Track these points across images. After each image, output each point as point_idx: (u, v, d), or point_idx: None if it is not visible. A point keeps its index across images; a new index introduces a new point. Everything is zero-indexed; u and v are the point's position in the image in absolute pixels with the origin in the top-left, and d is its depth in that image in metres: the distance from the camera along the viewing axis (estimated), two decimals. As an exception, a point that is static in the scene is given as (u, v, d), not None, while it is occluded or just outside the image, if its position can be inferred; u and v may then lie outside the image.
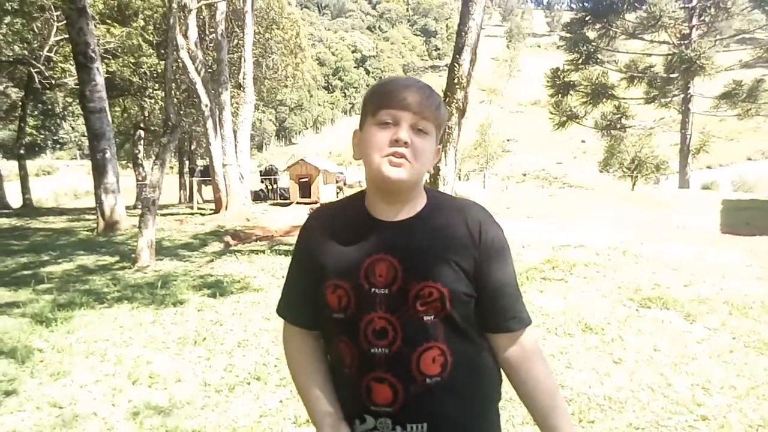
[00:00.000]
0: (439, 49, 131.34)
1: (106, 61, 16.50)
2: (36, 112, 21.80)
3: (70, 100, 21.61)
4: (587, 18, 23.58)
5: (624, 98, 23.71)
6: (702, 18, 22.50)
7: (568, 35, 24.15)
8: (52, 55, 16.95)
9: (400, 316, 1.16)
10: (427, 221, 1.22)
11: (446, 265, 1.17)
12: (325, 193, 18.13)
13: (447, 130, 7.60)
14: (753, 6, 21.73)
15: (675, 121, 24.41)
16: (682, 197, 14.81)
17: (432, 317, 1.15)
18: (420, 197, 1.25)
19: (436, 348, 1.16)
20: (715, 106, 23.13)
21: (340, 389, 1.25)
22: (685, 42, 21.94)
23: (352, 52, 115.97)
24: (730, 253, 8.21)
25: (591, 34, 23.72)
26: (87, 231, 11.83)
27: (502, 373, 1.29)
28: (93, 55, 11.35)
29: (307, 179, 18.12)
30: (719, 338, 4.52)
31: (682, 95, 23.01)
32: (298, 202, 17.51)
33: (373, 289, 1.17)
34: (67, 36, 13.35)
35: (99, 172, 11.56)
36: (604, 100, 23.35)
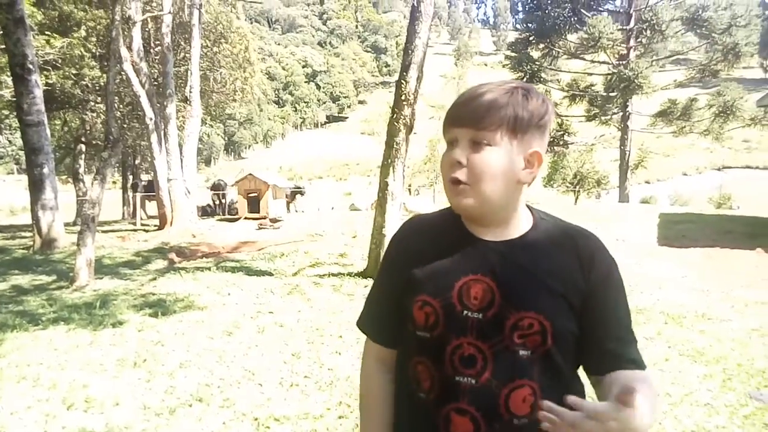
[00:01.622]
0: (389, 65, 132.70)
1: (45, 72, 15.90)
2: (-31, 125, 20.82)
3: (6, 112, 20.68)
4: (531, 38, 24.28)
5: (566, 116, 24.45)
6: (639, 39, 23.50)
7: (513, 54, 24.81)
8: (-14, 65, 16.23)
9: (492, 346, 1.04)
10: (532, 245, 1.09)
11: (551, 296, 1.05)
12: (275, 208, 17.92)
13: (395, 146, 7.67)
14: (686, 29, 22.86)
15: (615, 137, 25.31)
16: (622, 211, 15.35)
17: (528, 352, 1.03)
18: (523, 217, 1.12)
19: (528, 386, 1.03)
20: (652, 124, 24.12)
21: (410, 415, 1.13)
22: (624, 62, 22.85)
23: (303, 66, 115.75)
24: (667, 264, 8.57)
25: (535, 54, 24.42)
26: (23, 249, 11.32)
27: None
28: (31, 66, 10.95)
29: (256, 194, 17.87)
30: (655, 347, 4.69)
31: (621, 113, 23.90)
32: (246, 218, 17.23)
33: (465, 312, 1.05)
34: (3, 47, 12.84)
35: (36, 187, 11.11)
36: (548, 117, 24.00)
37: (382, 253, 6.58)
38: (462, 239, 1.12)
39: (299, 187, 23.16)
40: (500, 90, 1.05)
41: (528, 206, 1.15)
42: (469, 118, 1.03)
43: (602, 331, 1.07)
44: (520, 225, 1.11)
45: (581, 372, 1.14)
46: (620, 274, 1.11)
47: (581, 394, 1.13)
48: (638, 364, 1.08)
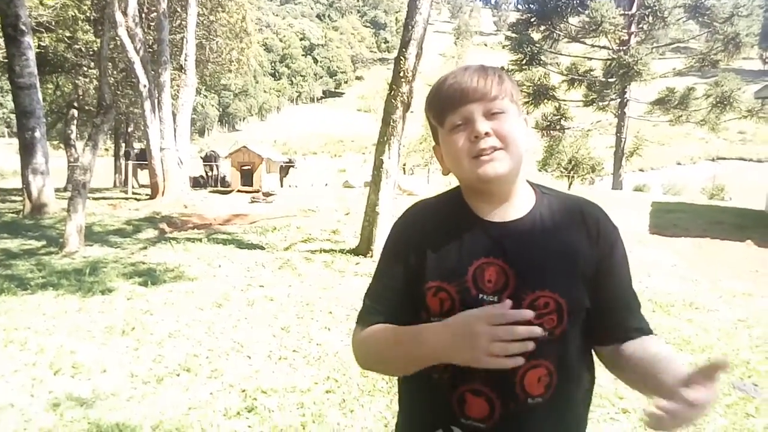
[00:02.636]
0: (388, 41, 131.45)
1: (38, 34, 15.64)
2: (-41, 86, 20.53)
3: (-2, 74, 20.43)
4: (532, 19, 24.08)
5: (564, 100, 24.39)
6: (640, 25, 23.39)
7: (513, 35, 24.62)
8: (-23, 25, 15.92)
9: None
10: (539, 221, 1.10)
11: (564, 271, 1.05)
12: (268, 182, 17.84)
13: (391, 123, 7.62)
14: (688, 17, 22.75)
15: (611, 124, 25.31)
16: (615, 198, 15.39)
17: (545, 332, 1.00)
18: (526, 194, 1.13)
19: (543, 366, 1.03)
20: (649, 112, 24.12)
21: (423, 397, 1.12)
22: (624, 48, 22.75)
23: (300, 39, 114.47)
24: (657, 252, 8.61)
25: (535, 36, 24.27)
26: (12, 213, 11.24)
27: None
28: (23, 27, 10.76)
29: (249, 167, 17.77)
30: (642, 334, 4.73)
31: (618, 99, 23.87)
32: (239, 191, 17.15)
33: (480, 295, 1.04)
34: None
35: (27, 151, 10.99)
36: (546, 101, 23.96)
37: (375, 231, 6.53)
38: (469, 222, 1.11)
39: (290, 161, 23.04)
40: (481, 68, 1.09)
41: (528, 182, 1.15)
42: (479, 92, 1.05)
43: (612, 301, 1.10)
44: (524, 202, 1.12)
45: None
46: (623, 241, 1.14)
47: (592, 373, 1.16)
48: (645, 331, 1.11)
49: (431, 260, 1.10)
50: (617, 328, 1.10)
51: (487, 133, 1.03)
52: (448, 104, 1.07)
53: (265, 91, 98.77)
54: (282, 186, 19.93)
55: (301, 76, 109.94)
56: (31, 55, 10.96)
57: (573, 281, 1.05)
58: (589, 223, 1.10)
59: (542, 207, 1.12)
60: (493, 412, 1.04)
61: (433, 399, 1.09)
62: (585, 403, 1.15)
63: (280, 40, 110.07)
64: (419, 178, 32.21)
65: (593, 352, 1.15)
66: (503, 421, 1.04)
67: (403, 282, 1.14)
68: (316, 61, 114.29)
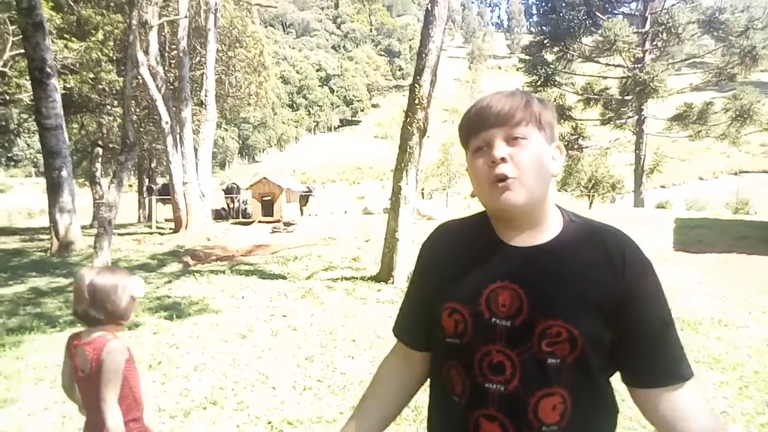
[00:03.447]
0: (402, 69, 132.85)
1: (63, 76, 16.12)
2: (-11, 128, 21.13)
3: (25, 116, 21.01)
4: (545, 41, 24.23)
5: (581, 119, 24.34)
6: (654, 42, 23.35)
7: (527, 58, 24.74)
8: (6, 70, 16.50)
9: (520, 353, 1.03)
10: (561, 249, 1.07)
11: (581, 302, 1.02)
12: (288, 212, 18.01)
13: (408, 150, 7.69)
14: (703, 32, 22.67)
15: (630, 141, 25.13)
16: (637, 215, 15.22)
17: (557, 360, 1.01)
18: (554, 219, 1.11)
19: (557, 395, 1.02)
20: (668, 128, 23.92)
21: (444, 417, 1.15)
22: (639, 65, 22.70)
23: (317, 70, 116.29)
24: (682, 270, 8.48)
25: (549, 57, 24.36)
26: (40, 252, 11.48)
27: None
28: (49, 70, 11.12)
29: (270, 197, 17.98)
30: (670, 354, 4.64)
31: (636, 117, 23.75)
32: (260, 221, 17.33)
33: (494, 319, 1.05)
34: (23, 51, 13.05)
35: (54, 190, 11.26)
36: (562, 121, 23.93)
37: (395, 258, 6.57)
38: (491, 245, 1.11)
39: (309, 189, 23.22)
40: (510, 93, 1.09)
41: (558, 206, 1.13)
42: (501, 117, 1.04)
43: (643, 337, 1.04)
44: (550, 228, 1.10)
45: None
46: (656, 275, 1.07)
47: (612, 400, 1.13)
48: (680, 377, 1.04)
49: (451, 281, 1.12)
50: (643, 371, 1.06)
51: (503, 159, 1.02)
52: (471, 127, 1.08)
53: (283, 122, 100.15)
54: (302, 215, 20.09)
55: (318, 106, 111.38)
56: (57, 96, 11.30)
57: (590, 313, 1.02)
58: (613, 254, 1.05)
59: (567, 234, 1.09)
60: None
61: (453, 422, 1.12)
62: (607, 429, 1.12)
63: (297, 72, 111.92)
64: (438, 203, 32.23)
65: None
66: None
67: (424, 301, 1.19)
68: (332, 90, 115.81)
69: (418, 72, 7.67)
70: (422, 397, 1.28)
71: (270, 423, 3.46)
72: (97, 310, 1.93)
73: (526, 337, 1.03)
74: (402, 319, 1.29)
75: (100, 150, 24.29)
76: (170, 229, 16.18)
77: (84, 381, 1.94)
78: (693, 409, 1.03)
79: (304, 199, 21.63)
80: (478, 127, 1.06)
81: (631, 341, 1.04)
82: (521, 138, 1.04)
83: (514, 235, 1.09)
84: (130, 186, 33.01)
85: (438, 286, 1.15)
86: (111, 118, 21.86)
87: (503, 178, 1.02)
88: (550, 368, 1.02)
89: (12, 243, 13.70)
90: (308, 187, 23.33)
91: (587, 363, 1.03)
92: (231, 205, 21.29)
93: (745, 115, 20.98)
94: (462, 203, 34.41)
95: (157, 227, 17.44)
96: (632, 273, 1.04)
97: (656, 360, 1.05)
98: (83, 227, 13.00)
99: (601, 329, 1.02)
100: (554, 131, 1.10)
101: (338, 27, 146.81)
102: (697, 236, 11.24)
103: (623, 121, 24.07)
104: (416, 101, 7.63)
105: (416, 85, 7.66)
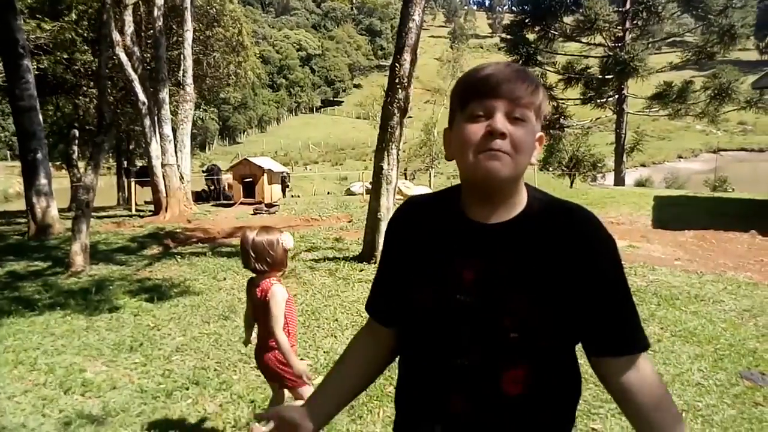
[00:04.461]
0: (384, 48, 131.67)
1: (37, 57, 15.76)
2: (-39, 111, 20.67)
3: (-2, 97, 20.57)
4: (527, 20, 24.18)
5: (562, 99, 24.42)
6: (635, 21, 23.42)
7: (508, 37, 24.69)
8: (-23, 50, 16.04)
9: (484, 328, 1.05)
10: (525, 225, 1.08)
11: (543, 276, 1.04)
12: (270, 193, 17.88)
13: (389, 130, 7.65)
14: (682, 10, 22.77)
15: (610, 120, 25.31)
16: (617, 193, 15.39)
17: (520, 334, 1.03)
18: (520, 197, 1.11)
19: (520, 367, 1.05)
20: (648, 107, 24.13)
21: (414, 392, 1.17)
22: (619, 45, 22.79)
23: (297, 50, 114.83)
24: (660, 246, 8.62)
25: (531, 36, 24.34)
26: (18, 235, 11.29)
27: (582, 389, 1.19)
28: (22, 51, 10.83)
29: (251, 179, 17.82)
30: (648, 328, 4.73)
31: (616, 96, 23.89)
32: (241, 203, 17.20)
33: (458, 296, 1.06)
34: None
35: (30, 173, 11.04)
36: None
37: (378, 238, 6.57)
38: (457, 222, 1.11)
39: (286, 174, 23.02)
40: (522, 71, 1.06)
41: (525, 184, 1.14)
42: (510, 92, 1.02)
43: (604, 308, 1.06)
44: (516, 205, 1.10)
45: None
46: (618, 250, 1.09)
47: (576, 373, 1.15)
48: (640, 346, 1.08)
49: (415, 260, 1.14)
50: (605, 342, 1.08)
51: (503, 134, 1.01)
52: (475, 91, 1.05)
53: (264, 103, 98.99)
54: (284, 196, 19.96)
55: (299, 86, 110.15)
56: (31, 77, 11.03)
57: (552, 287, 1.04)
58: (576, 231, 1.07)
59: (532, 210, 1.10)
60: (472, 410, 1.07)
61: (421, 395, 1.14)
62: (568, 403, 1.15)
63: (277, 52, 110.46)
64: (422, 182, 32.22)
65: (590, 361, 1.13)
66: (483, 420, 1.07)
67: (392, 278, 1.21)
68: (313, 71, 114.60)
69: (398, 51, 7.60)
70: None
71: (253, 402, 3.48)
72: (261, 263, 2.59)
73: (489, 312, 1.05)
74: (372, 296, 1.32)
75: (76, 132, 23.81)
76: (150, 211, 15.99)
77: (258, 313, 2.67)
78: (650, 378, 1.08)
79: (285, 181, 21.43)
80: (484, 93, 1.03)
81: (593, 314, 1.05)
82: (521, 119, 1.03)
83: (481, 211, 1.10)
84: (109, 168, 32.52)
85: (405, 264, 1.16)
86: (87, 99, 21.42)
87: (498, 151, 1.01)
88: (513, 342, 1.04)
89: (-12, 227, 13.47)
90: (285, 172, 23.13)
91: (550, 336, 1.05)
92: (212, 187, 21.09)
93: (723, 94, 21.23)
94: (445, 183, 34.50)
95: (137, 210, 17.24)
96: (592, 247, 1.06)
97: (617, 331, 1.07)
98: (61, 210, 12.79)
99: (563, 303, 1.04)
100: (540, 122, 1.10)
101: (318, 6, 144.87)
102: (675, 214, 11.41)
103: (604, 100, 24.22)
104: (396, 81, 7.58)
105: (396, 64, 7.59)
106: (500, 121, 1.01)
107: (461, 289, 1.07)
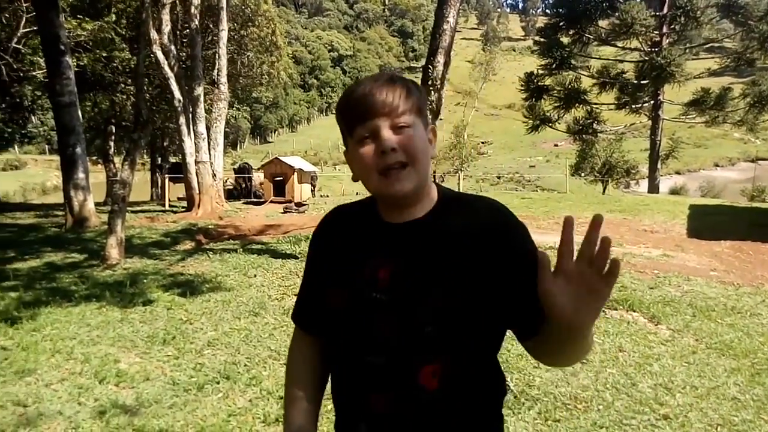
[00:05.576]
0: (415, 50, 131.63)
1: (77, 54, 16.16)
2: (3, 105, 21.22)
3: (39, 93, 21.10)
4: (561, 24, 23.87)
5: (596, 103, 24.05)
6: (672, 26, 22.96)
7: (542, 40, 24.44)
8: (20, 47, 16.54)
9: (399, 324, 1.07)
10: (436, 222, 1.11)
11: (454, 270, 1.06)
12: (300, 192, 18.04)
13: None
14: (721, 16, 22.26)
15: (645, 126, 24.85)
16: (651, 201, 15.10)
17: (436, 329, 1.05)
18: (429, 195, 1.15)
19: (437, 361, 1.06)
20: (684, 113, 23.61)
21: (341, 393, 1.20)
22: (656, 49, 22.36)
23: (329, 51, 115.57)
24: (696, 256, 8.42)
25: (565, 40, 24.04)
26: (55, 227, 11.60)
27: (506, 387, 1.20)
28: (63, 48, 11.15)
29: (281, 178, 17.99)
30: (682, 339, 4.64)
31: (652, 102, 23.45)
32: (272, 201, 17.38)
33: (374, 294, 1.09)
34: (36, 28, 13.08)
35: (68, 167, 11.35)
36: (577, 104, 23.67)
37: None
38: (373, 225, 1.16)
39: (314, 174, 23.16)
40: (389, 80, 1.10)
41: (436, 184, 1.18)
42: (387, 107, 1.06)
43: (524, 297, 1.03)
44: (426, 203, 1.14)
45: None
46: (530, 235, 1.12)
47: (497, 369, 1.18)
48: None
49: (334, 263, 1.18)
50: (530, 323, 1.06)
51: (393, 149, 1.05)
52: (356, 115, 1.08)
53: (295, 103, 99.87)
54: (314, 196, 20.11)
55: (330, 87, 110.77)
56: (71, 74, 11.34)
57: (464, 280, 1.06)
58: (488, 221, 1.10)
59: (442, 207, 1.14)
60: (393, 407, 1.09)
61: (345, 397, 1.18)
62: (490, 399, 1.16)
63: (309, 52, 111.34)
64: (450, 185, 32.08)
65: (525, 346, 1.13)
66: (404, 416, 1.08)
67: (313, 285, 1.25)
68: (344, 71, 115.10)
69: (432, 53, 7.59)
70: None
71: (282, 399, 3.51)
72: None
73: (404, 307, 1.07)
74: (297, 305, 1.35)
75: (113, 128, 24.38)
76: (183, 207, 16.27)
77: None
78: None
79: (314, 180, 21.58)
80: (363, 116, 1.07)
81: (519, 298, 1.05)
82: (406, 126, 1.07)
83: (395, 213, 1.13)
84: (143, 164, 33.16)
85: (323, 269, 1.21)
86: (124, 96, 21.91)
87: (394, 167, 1.05)
88: (429, 337, 1.06)
89: (27, 219, 13.87)
90: (315, 172, 23.27)
91: (466, 330, 1.07)
92: (243, 185, 21.35)
93: (763, 102, 20.68)
94: (474, 186, 34.32)
95: (170, 205, 17.55)
96: (510, 234, 1.10)
97: (538, 311, 1.01)
98: (97, 204, 13.10)
99: (479, 296, 1.06)
100: (428, 116, 1.14)
101: (351, 7, 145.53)
102: (711, 223, 11.14)
103: (639, 105, 23.78)
104: (429, 83, 7.56)
105: (430, 66, 7.58)
106: (387, 138, 1.05)
107: (377, 288, 1.10)
